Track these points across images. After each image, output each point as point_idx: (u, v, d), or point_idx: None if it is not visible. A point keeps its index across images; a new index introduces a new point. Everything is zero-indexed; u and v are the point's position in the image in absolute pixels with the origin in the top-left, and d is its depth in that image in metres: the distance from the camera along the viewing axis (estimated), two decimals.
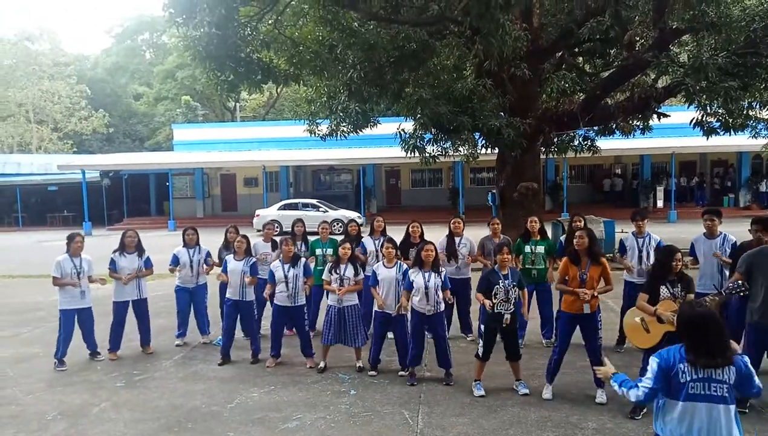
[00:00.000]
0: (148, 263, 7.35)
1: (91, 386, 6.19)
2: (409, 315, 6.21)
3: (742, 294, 4.69)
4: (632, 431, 4.80)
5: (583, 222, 7.11)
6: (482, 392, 5.62)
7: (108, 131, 43.97)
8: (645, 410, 5.01)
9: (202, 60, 10.54)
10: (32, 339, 8.17)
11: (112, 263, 7.14)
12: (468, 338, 7.47)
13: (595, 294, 5.39)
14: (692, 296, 4.97)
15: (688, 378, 2.98)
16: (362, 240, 7.66)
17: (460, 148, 13.15)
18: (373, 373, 6.29)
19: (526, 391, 5.62)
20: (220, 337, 7.67)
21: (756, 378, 3.04)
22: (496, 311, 5.56)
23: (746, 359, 3.05)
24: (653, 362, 3.10)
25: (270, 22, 11.67)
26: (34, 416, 5.44)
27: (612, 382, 3.34)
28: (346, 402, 5.58)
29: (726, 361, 2.96)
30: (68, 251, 6.85)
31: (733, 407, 2.99)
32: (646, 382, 3.09)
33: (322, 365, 6.49)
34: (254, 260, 7.08)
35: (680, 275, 5.03)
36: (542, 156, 14.41)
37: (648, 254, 6.65)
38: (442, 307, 6.05)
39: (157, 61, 48.30)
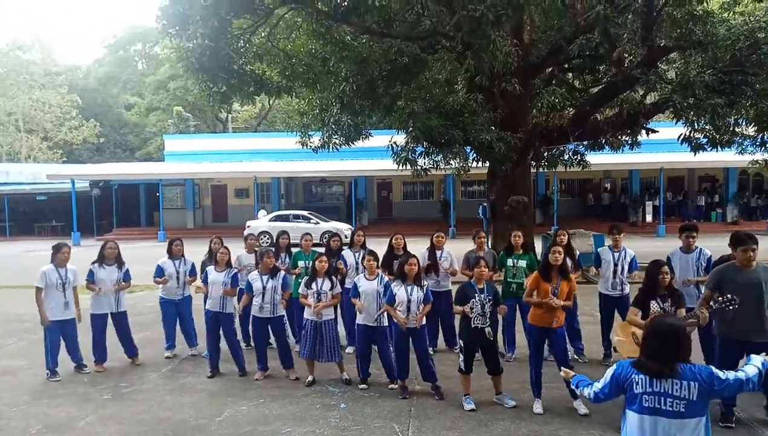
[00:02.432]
0: (127, 276, 7.23)
1: (78, 399, 6.10)
2: (386, 324, 6.24)
3: (731, 308, 4.73)
4: None
5: (567, 237, 7.14)
6: (472, 406, 5.60)
7: (98, 141, 43.79)
8: None
9: (194, 71, 10.56)
10: (17, 351, 8.05)
11: (91, 274, 7.00)
12: (455, 351, 7.45)
13: (563, 304, 5.50)
14: (683, 310, 5.01)
15: (641, 390, 2.98)
16: (342, 253, 7.63)
17: (452, 162, 13.20)
18: (363, 386, 6.25)
19: (513, 403, 5.63)
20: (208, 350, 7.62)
21: (722, 376, 2.95)
22: (473, 325, 5.58)
23: (703, 368, 2.98)
24: (609, 371, 3.17)
25: (263, 34, 11.73)
26: (18, 430, 5.35)
27: (572, 383, 3.41)
28: (336, 416, 5.54)
29: (669, 372, 2.91)
30: (54, 261, 6.75)
31: (693, 421, 2.92)
32: (597, 385, 3.19)
33: (310, 378, 6.44)
34: (235, 271, 7.06)
35: (670, 290, 5.09)
36: (533, 170, 14.50)
37: (623, 268, 6.83)
38: (424, 321, 6.05)
39: (150, 71, 48.28)
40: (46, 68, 43.50)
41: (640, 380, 2.99)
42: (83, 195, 27.20)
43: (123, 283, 7.17)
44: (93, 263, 7.08)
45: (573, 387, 3.38)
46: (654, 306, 5.02)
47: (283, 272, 6.83)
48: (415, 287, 5.94)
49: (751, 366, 3.05)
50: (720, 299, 4.78)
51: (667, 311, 4.97)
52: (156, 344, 7.93)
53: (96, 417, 5.61)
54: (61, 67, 45.81)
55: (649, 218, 25.59)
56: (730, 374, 2.99)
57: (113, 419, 5.55)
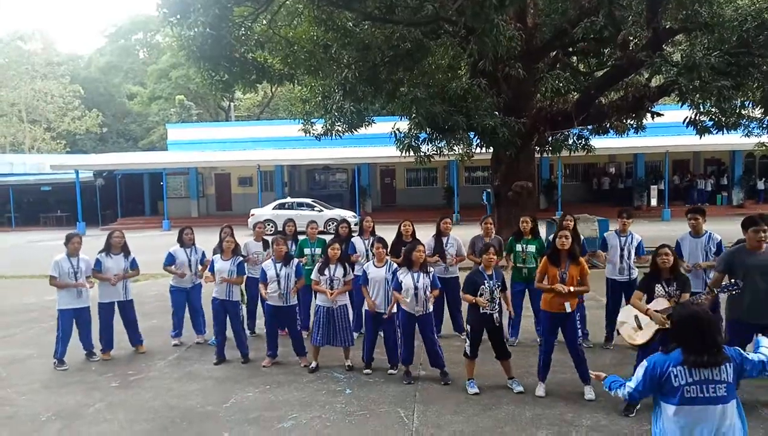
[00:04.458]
0: (134, 264, 7.28)
1: (86, 387, 6.17)
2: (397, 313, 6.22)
3: (734, 292, 4.72)
4: (626, 428, 4.82)
5: (573, 222, 7.10)
6: (476, 390, 5.64)
7: (101, 131, 43.84)
8: (639, 407, 5.04)
9: (196, 60, 10.52)
10: (25, 340, 8.13)
11: (98, 263, 7.04)
12: (461, 337, 7.47)
13: (572, 290, 5.44)
14: (687, 295, 4.99)
15: (683, 382, 2.94)
16: (352, 240, 7.65)
17: (455, 148, 13.17)
18: (368, 371, 6.29)
19: (521, 389, 5.64)
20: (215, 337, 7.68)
21: (748, 356, 3.01)
22: (481, 311, 5.59)
23: (736, 348, 3.06)
24: (640, 368, 3.13)
25: (264, 21, 11.67)
26: (28, 417, 5.42)
27: (604, 386, 3.39)
28: (342, 401, 5.58)
29: (720, 359, 2.92)
30: (66, 250, 6.85)
31: (733, 402, 2.97)
32: (630, 384, 3.16)
33: (314, 364, 6.49)
34: (241, 259, 7.06)
35: (676, 274, 5.07)
36: (537, 155, 14.45)
37: (629, 252, 6.81)
38: (431, 308, 6.07)
39: (151, 60, 48.11)
40: (48, 58, 43.45)
41: (678, 372, 2.95)
42: (87, 185, 27.30)
43: (131, 271, 7.23)
44: (100, 252, 7.12)
45: (606, 389, 3.36)
46: (659, 290, 5.01)
47: (296, 260, 6.85)
48: (422, 274, 5.95)
49: (766, 348, 3.06)
50: (724, 284, 4.78)
51: (672, 295, 4.96)
52: (162, 332, 7.99)
53: (104, 404, 5.67)
54: (62, 57, 45.78)
55: (654, 202, 25.48)
56: (754, 356, 2.99)
57: (121, 407, 5.61)
